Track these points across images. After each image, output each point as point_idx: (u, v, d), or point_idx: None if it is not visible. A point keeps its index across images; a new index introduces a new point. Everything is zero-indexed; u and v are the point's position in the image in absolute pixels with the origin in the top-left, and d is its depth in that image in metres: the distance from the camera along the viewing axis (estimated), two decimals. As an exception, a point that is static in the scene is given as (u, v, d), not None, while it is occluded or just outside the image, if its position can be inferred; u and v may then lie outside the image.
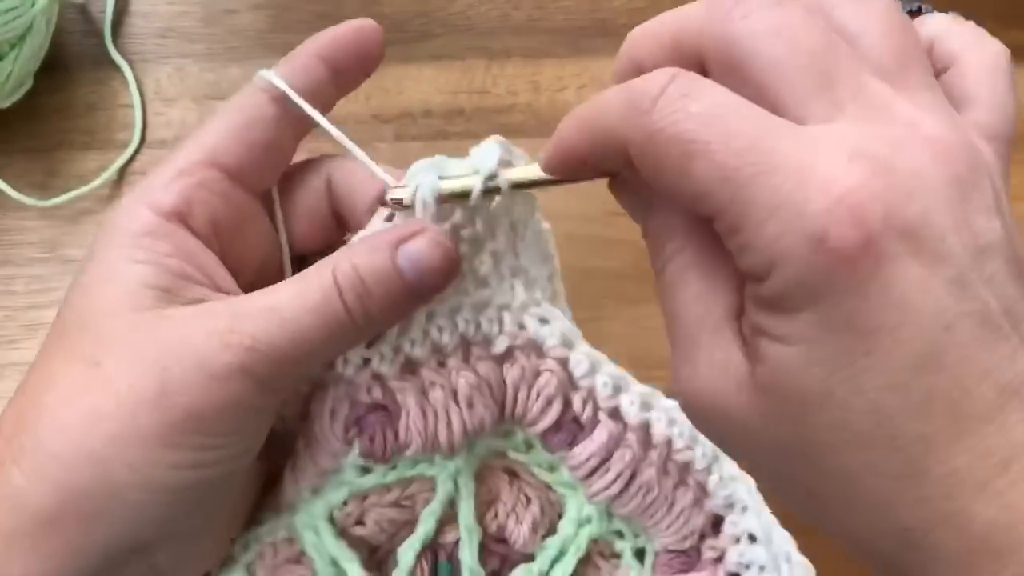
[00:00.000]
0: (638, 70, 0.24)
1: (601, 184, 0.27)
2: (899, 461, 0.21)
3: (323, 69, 0.30)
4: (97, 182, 0.45)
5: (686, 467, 0.33)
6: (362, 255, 0.27)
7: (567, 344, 0.32)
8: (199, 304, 0.27)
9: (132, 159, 0.46)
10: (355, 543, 0.32)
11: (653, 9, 0.50)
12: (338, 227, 0.32)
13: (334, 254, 0.27)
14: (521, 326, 0.31)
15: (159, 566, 0.28)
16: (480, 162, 0.28)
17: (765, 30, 0.22)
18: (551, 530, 0.34)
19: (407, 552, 0.32)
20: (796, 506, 0.25)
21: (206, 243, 0.28)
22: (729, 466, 0.33)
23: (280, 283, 0.27)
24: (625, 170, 0.24)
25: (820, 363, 0.21)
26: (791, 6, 0.23)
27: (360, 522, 0.32)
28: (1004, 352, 0.21)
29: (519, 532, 0.33)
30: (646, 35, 0.26)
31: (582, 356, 0.32)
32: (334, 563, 0.32)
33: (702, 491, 0.33)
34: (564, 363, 0.32)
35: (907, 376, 0.21)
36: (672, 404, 0.32)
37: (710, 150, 0.21)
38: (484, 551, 0.34)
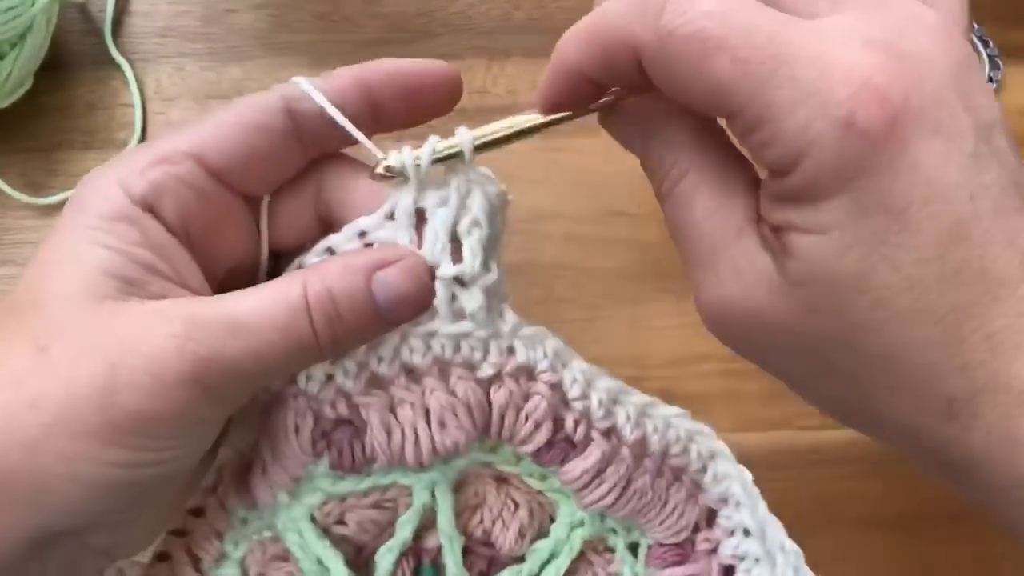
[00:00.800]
0: None
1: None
2: (939, 332, 0.22)
3: (359, 98, 0.28)
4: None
5: (681, 469, 0.33)
6: (336, 277, 0.26)
7: (559, 365, 0.31)
8: (160, 301, 0.25)
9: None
10: (339, 542, 0.32)
11: (653, 9, 0.50)
12: (321, 230, 0.31)
13: (306, 270, 0.27)
14: (510, 351, 0.30)
15: (92, 546, 0.27)
16: (460, 133, 0.28)
17: None
18: (542, 532, 0.34)
19: (385, 557, 0.32)
20: (833, 404, 0.26)
21: (175, 236, 0.27)
22: (724, 464, 0.32)
23: (247, 290, 0.26)
24: (634, 78, 0.24)
25: (855, 246, 0.22)
26: None
27: (341, 521, 0.32)
28: (1021, 219, 0.23)
29: (504, 538, 0.33)
30: None
31: (576, 375, 0.31)
32: (319, 561, 0.32)
33: (696, 487, 0.32)
34: (556, 385, 0.31)
35: (939, 248, 0.22)
36: (669, 410, 0.32)
37: (729, 45, 0.22)
38: (470, 554, 0.33)
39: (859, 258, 0.22)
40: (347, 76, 0.28)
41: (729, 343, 0.27)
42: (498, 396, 0.30)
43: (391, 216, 0.28)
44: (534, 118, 0.28)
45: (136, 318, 0.25)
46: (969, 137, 0.22)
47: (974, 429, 0.23)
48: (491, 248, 0.29)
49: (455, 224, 0.28)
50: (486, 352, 0.30)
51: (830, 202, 0.22)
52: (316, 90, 0.27)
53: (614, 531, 0.34)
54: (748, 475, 0.32)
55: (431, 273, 0.28)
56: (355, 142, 0.28)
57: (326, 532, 0.32)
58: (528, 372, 0.31)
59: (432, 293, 0.28)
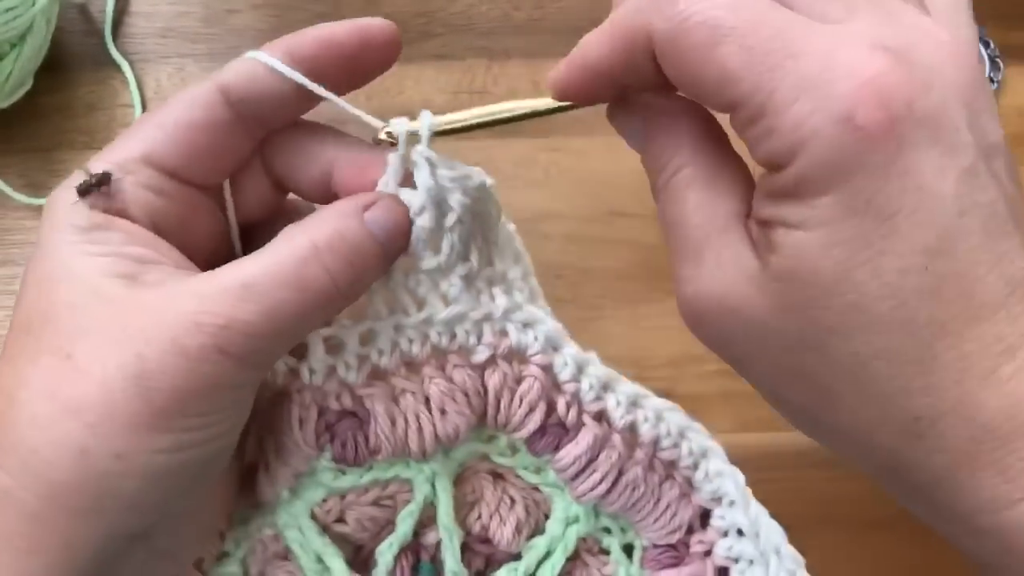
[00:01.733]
0: None
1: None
2: (912, 346, 0.22)
3: (300, 68, 0.28)
4: (97, 182, 0.45)
5: (672, 463, 0.33)
6: (335, 222, 0.27)
7: (551, 348, 0.32)
8: (165, 286, 0.26)
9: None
10: (338, 540, 0.32)
11: (653, 9, 0.50)
12: (277, 195, 0.31)
13: (300, 224, 0.27)
14: (503, 333, 0.31)
15: (159, 549, 0.28)
16: (423, 117, 0.29)
17: None
18: (538, 530, 0.34)
19: (385, 553, 0.32)
20: (800, 412, 0.26)
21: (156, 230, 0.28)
22: (716, 462, 0.32)
23: (247, 257, 0.26)
24: (649, 72, 0.25)
25: (840, 245, 0.22)
26: None
27: (341, 519, 0.32)
28: (1009, 245, 0.22)
29: (502, 533, 0.33)
30: None
31: (567, 359, 0.31)
32: (319, 559, 0.32)
33: (688, 485, 0.33)
34: (548, 368, 0.32)
35: (923, 260, 0.22)
36: (661, 403, 0.32)
37: (738, 34, 0.22)
38: (467, 551, 0.33)
39: (843, 258, 0.22)
40: (281, 48, 0.28)
41: (706, 339, 0.27)
42: (493, 379, 0.31)
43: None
44: (538, 103, 0.30)
45: (150, 305, 0.25)
46: (968, 154, 0.22)
47: (938, 452, 0.22)
48: (471, 237, 0.30)
49: (436, 220, 0.29)
50: (480, 335, 0.31)
51: (820, 199, 0.22)
52: (277, 61, 0.28)
53: (608, 531, 0.34)
54: (740, 476, 0.32)
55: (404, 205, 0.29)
56: (300, 115, 0.30)
57: (325, 530, 0.32)
58: (520, 355, 0.31)
59: (410, 220, 0.29)
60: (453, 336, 0.31)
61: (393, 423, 0.30)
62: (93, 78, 0.47)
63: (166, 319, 0.25)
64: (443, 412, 0.30)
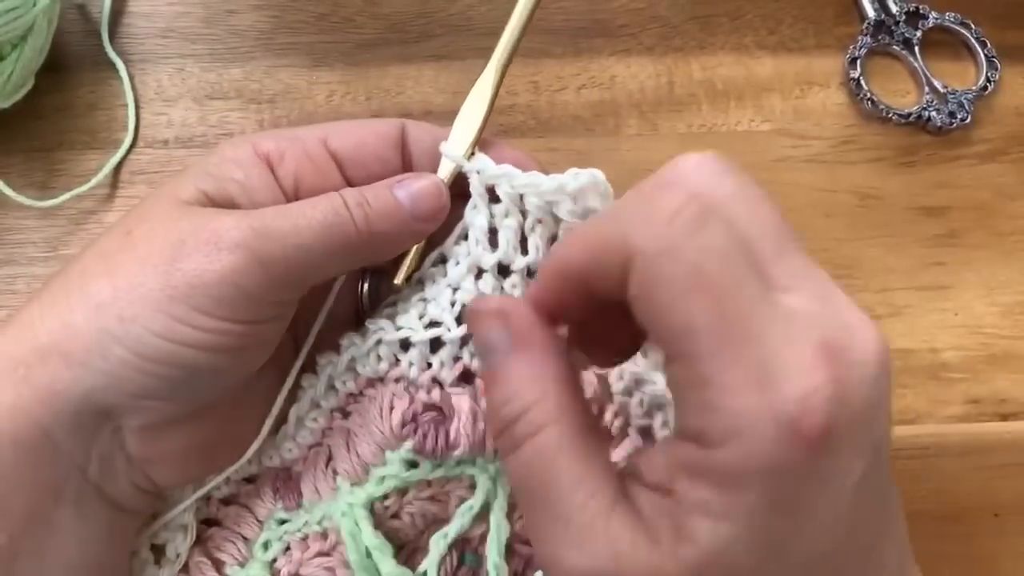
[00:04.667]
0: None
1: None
2: None
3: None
4: (92, 183, 0.45)
5: None
6: (364, 187, 0.31)
7: None
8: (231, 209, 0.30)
9: (126, 157, 0.46)
10: (388, 536, 0.34)
11: (651, 10, 0.51)
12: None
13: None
14: None
15: (128, 438, 0.30)
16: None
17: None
18: None
19: (439, 541, 0.34)
20: None
21: (282, 191, 0.31)
22: None
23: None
24: (612, 293, 0.23)
25: (759, 543, 0.21)
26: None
27: (396, 516, 0.34)
28: (895, 527, 0.25)
29: None
30: None
31: (624, 374, 0.33)
32: (368, 554, 0.33)
33: None
34: (603, 378, 0.33)
35: (825, 556, 0.22)
36: None
37: (715, 294, 0.21)
38: (509, 551, 0.35)
39: (761, 555, 0.22)
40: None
41: None
42: None
43: (464, 236, 0.33)
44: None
45: (208, 212, 0.30)
46: (868, 454, 0.22)
47: None
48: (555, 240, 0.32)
49: (520, 226, 0.32)
50: None
51: (747, 493, 0.21)
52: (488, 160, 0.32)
53: None
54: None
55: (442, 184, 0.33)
56: None
57: (378, 526, 0.34)
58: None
59: (448, 199, 0.32)
60: None
61: (475, 421, 0.32)
62: (94, 78, 0.48)
63: (214, 218, 0.29)
64: None
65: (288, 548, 0.34)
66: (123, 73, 0.47)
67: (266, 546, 0.33)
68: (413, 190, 0.31)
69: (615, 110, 0.48)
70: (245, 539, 0.33)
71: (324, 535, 0.33)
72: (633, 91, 0.49)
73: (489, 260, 0.32)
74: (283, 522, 0.34)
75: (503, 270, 0.32)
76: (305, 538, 0.34)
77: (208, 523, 0.34)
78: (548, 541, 0.23)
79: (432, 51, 0.49)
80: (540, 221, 0.31)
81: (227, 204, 0.30)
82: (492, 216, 0.32)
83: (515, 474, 0.24)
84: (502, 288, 0.32)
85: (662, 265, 0.21)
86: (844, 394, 0.21)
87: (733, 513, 0.21)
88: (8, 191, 0.44)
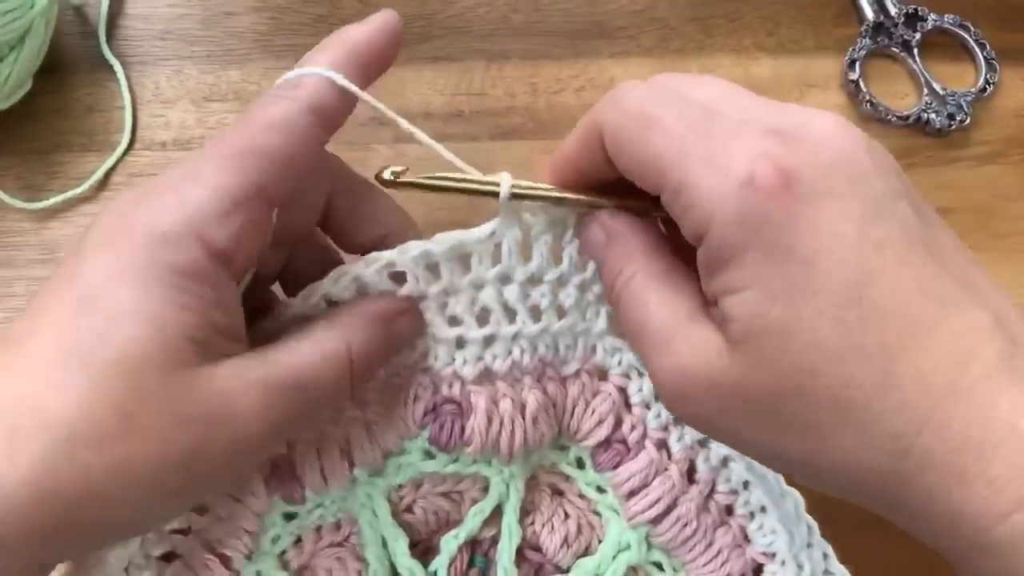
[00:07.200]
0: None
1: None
2: (872, 371, 0.23)
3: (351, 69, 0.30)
4: (85, 185, 0.45)
5: (728, 509, 0.35)
6: (368, 331, 0.30)
7: (630, 373, 0.35)
8: (230, 364, 0.27)
9: (121, 159, 0.46)
10: (402, 531, 0.35)
11: (649, 12, 0.51)
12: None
13: (342, 326, 0.30)
14: (592, 350, 0.34)
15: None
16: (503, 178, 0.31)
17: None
18: (589, 550, 0.36)
19: (450, 542, 0.35)
20: (798, 464, 0.26)
21: (235, 281, 0.28)
22: (772, 519, 0.33)
23: (294, 341, 0.29)
24: (602, 158, 0.28)
25: (777, 295, 0.24)
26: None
27: (410, 509, 0.35)
28: (932, 272, 0.24)
29: (550, 541, 0.35)
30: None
31: (643, 388, 0.35)
32: (383, 544, 0.34)
33: (743, 536, 0.35)
34: (623, 390, 0.35)
35: (853, 292, 0.24)
36: (729, 451, 0.34)
37: (663, 124, 0.26)
38: (519, 556, 0.35)
39: (783, 306, 0.24)
40: (343, 62, 0.30)
41: (693, 419, 0.28)
42: (572, 389, 0.35)
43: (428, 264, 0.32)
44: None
45: (218, 388, 0.26)
46: (867, 201, 0.24)
47: (927, 468, 0.23)
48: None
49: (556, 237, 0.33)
50: (575, 347, 0.34)
51: (743, 258, 0.25)
52: (349, 83, 0.30)
53: (660, 567, 0.36)
54: (815, 526, 0.34)
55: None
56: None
57: (395, 516, 0.35)
58: (601, 372, 0.35)
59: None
60: (557, 350, 0.34)
61: (489, 422, 0.33)
62: (91, 80, 0.47)
63: (233, 407, 0.26)
64: (535, 421, 0.33)
65: (299, 540, 0.34)
66: (121, 75, 0.47)
67: (275, 540, 0.34)
68: (405, 337, 0.32)
69: (614, 112, 0.48)
70: (253, 534, 0.33)
71: (338, 525, 0.34)
72: (632, 93, 0.49)
73: (521, 273, 0.32)
74: (291, 516, 0.34)
75: (535, 280, 0.33)
76: (318, 529, 0.34)
77: (167, 558, 0.33)
78: (648, 358, 0.28)
79: (431, 52, 0.49)
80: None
81: (209, 340, 0.27)
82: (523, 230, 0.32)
83: (623, 318, 0.30)
84: (528, 295, 0.33)
85: (619, 123, 0.27)
86: (796, 154, 0.24)
87: (745, 280, 0.25)
88: (4, 196, 0.44)
